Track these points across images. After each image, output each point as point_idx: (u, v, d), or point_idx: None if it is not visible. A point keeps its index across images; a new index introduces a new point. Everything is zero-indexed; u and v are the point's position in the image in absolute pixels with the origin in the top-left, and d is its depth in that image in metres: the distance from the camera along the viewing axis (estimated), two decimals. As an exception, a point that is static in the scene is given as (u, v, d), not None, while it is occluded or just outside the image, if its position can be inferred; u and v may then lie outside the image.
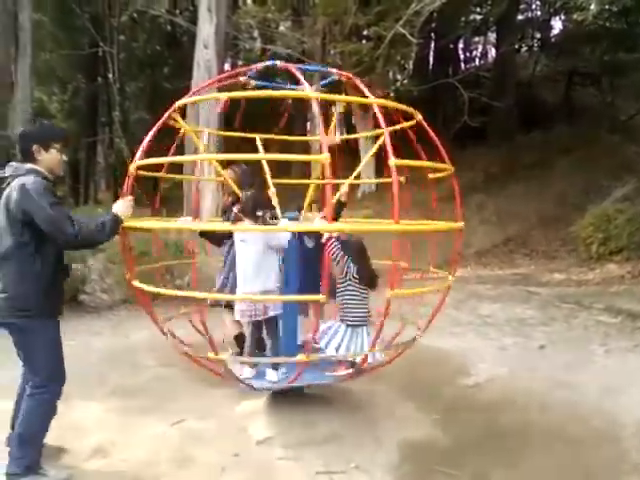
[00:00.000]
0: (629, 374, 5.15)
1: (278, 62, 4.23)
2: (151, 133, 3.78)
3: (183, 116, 4.79)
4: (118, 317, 7.81)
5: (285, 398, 4.13)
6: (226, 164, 4.82)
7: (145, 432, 3.94)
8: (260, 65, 4.32)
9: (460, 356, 5.80)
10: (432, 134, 3.81)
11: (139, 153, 3.71)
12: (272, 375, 3.82)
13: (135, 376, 5.18)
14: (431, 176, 4.30)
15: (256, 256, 3.66)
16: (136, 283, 3.66)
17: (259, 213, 3.64)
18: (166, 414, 4.20)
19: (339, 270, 3.81)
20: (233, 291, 4.05)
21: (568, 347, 6.09)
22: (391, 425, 3.99)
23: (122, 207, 3.39)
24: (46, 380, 3.28)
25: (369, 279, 3.86)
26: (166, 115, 3.88)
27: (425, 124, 3.92)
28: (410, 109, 3.93)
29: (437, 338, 6.19)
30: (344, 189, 4.06)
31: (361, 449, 3.62)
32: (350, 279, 3.83)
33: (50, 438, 3.52)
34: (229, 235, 4.13)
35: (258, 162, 3.67)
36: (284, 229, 3.62)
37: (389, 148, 3.25)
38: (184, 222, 4.49)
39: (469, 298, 8.85)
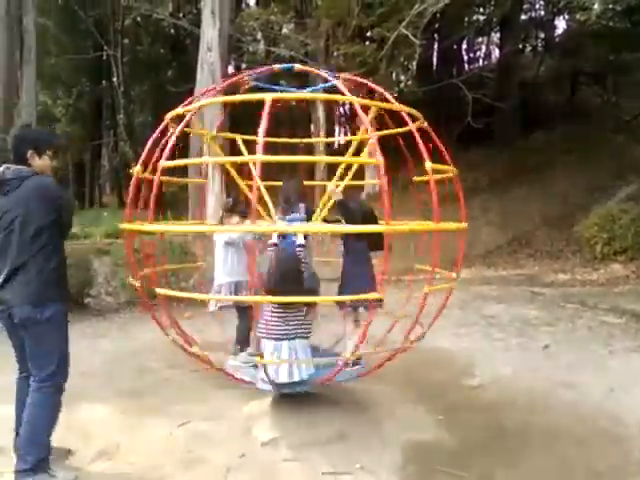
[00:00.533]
0: (633, 374, 5.15)
1: (296, 65, 4.30)
2: (153, 137, 3.83)
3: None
4: (124, 319, 7.84)
5: (290, 399, 4.15)
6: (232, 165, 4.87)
7: (150, 434, 3.96)
8: (277, 67, 4.40)
9: (464, 357, 5.80)
10: (434, 137, 3.83)
11: (143, 156, 3.75)
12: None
13: (141, 378, 5.20)
14: (418, 178, 4.32)
15: (222, 251, 4.25)
16: (160, 290, 3.70)
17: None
18: (171, 416, 4.22)
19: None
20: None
21: (572, 347, 6.09)
22: (396, 425, 4.00)
23: None
24: (52, 374, 3.32)
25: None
26: (163, 124, 3.93)
27: (429, 128, 3.94)
28: (414, 111, 3.95)
29: (442, 339, 6.21)
30: (329, 188, 4.15)
31: (366, 450, 3.63)
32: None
33: (55, 440, 3.55)
34: None
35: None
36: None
37: (378, 150, 3.29)
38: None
39: (474, 299, 8.86)
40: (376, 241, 3.84)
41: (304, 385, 3.90)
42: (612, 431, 4.00)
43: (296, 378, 3.68)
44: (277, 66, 4.53)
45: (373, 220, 4.08)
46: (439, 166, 3.97)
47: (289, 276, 3.66)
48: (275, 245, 3.92)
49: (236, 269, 4.32)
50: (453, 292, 4.29)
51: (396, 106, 3.92)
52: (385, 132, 4.62)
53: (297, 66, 4.38)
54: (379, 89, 4.17)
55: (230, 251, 4.30)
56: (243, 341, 4.45)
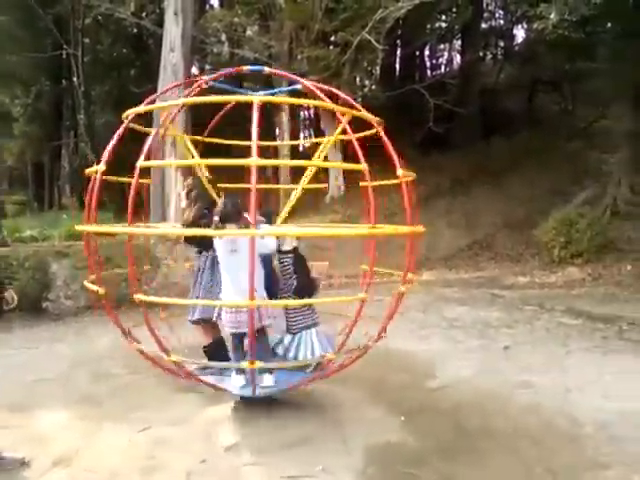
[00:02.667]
0: (588, 374, 5.30)
1: (266, 67, 4.28)
2: (115, 138, 3.75)
3: (150, 119, 4.77)
4: (82, 323, 7.67)
5: (252, 404, 4.13)
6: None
7: (110, 440, 3.88)
8: (245, 68, 4.37)
9: (426, 358, 5.87)
10: (388, 144, 3.85)
11: (104, 157, 3.67)
12: (268, 380, 3.96)
13: (100, 383, 5.09)
14: (380, 183, 4.36)
15: (244, 265, 3.41)
16: (140, 296, 3.51)
17: (216, 219, 3.55)
18: (132, 421, 4.15)
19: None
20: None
21: (531, 348, 6.24)
22: (358, 428, 4.01)
23: None
24: None
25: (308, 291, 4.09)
26: (125, 124, 3.86)
27: (383, 134, 3.97)
28: (371, 117, 3.96)
29: (404, 341, 6.28)
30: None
31: (328, 452, 3.64)
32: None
33: (10, 448, 3.46)
34: (211, 244, 4.01)
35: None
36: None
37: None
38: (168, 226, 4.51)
39: (436, 301, 8.98)
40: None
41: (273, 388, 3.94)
42: (568, 430, 4.10)
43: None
44: (247, 67, 4.50)
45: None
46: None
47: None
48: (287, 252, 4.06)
49: (262, 284, 3.86)
50: (415, 295, 4.35)
51: (358, 113, 3.94)
52: (347, 137, 4.64)
53: (267, 69, 4.35)
54: (342, 94, 4.20)
55: (259, 264, 3.79)
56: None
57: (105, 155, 3.69)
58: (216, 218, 3.57)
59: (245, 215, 3.65)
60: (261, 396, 3.98)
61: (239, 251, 3.63)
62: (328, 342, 4.21)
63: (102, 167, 3.62)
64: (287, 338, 4.27)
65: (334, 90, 4.44)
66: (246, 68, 4.57)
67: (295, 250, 4.25)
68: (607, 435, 3.99)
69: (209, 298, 4.20)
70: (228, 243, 3.70)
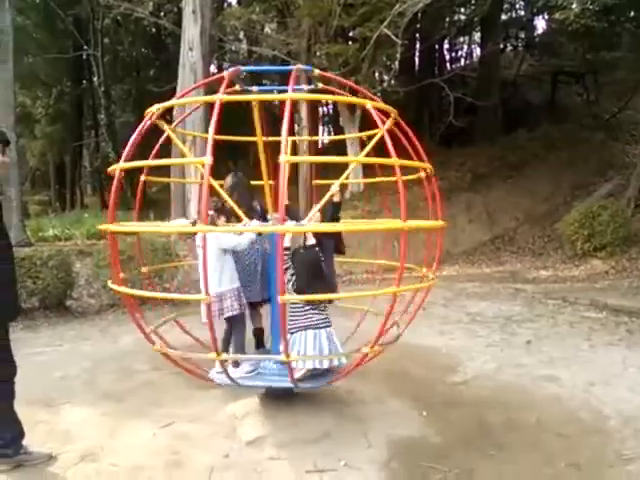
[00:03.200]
0: (612, 367, 5.24)
1: (317, 71, 4.29)
2: (134, 136, 3.79)
3: (170, 118, 4.81)
4: (106, 321, 7.78)
5: (274, 399, 4.15)
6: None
7: (134, 436, 3.93)
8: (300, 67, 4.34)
9: (448, 354, 5.85)
10: (410, 134, 3.83)
11: (124, 156, 3.71)
12: (235, 372, 3.98)
13: (124, 380, 5.16)
14: (408, 177, 4.33)
15: (210, 260, 3.73)
16: (114, 286, 3.64)
17: (211, 213, 3.84)
18: (155, 417, 4.20)
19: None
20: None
21: (554, 342, 6.17)
22: (380, 422, 4.01)
23: None
24: None
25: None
26: (145, 120, 3.88)
27: (402, 123, 3.94)
28: (389, 108, 3.94)
29: (426, 336, 6.27)
30: (334, 188, 4.10)
31: (351, 447, 3.64)
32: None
33: (37, 444, 3.53)
34: None
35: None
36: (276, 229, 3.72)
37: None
38: (179, 223, 4.52)
39: (457, 296, 8.93)
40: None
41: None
42: (592, 424, 4.06)
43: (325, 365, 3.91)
44: (298, 67, 4.44)
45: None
46: (416, 164, 3.97)
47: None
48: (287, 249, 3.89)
49: (236, 275, 4.13)
50: (437, 290, 4.34)
51: (376, 104, 3.92)
52: (367, 132, 4.63)
53: (317, 71, 4.30)
54: (361, 89, 4.19)
55: (229, 256, 4.08)
56: (242, 351, 4.24)
57: (125, 153, 3.73)
58: (211, 212, 3.88)
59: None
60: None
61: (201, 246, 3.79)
62: (329, 346, 3.93)
63: (123, 165, 3.64)
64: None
65: (354, 86, 4.43)
66: (297, 67, 4.51)
67: (311, 247, 4.13)
68: (632, 429, 3.93)
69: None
70: (197, 238, 3.81)
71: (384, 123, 3.69)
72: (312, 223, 3.88)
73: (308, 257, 3.92)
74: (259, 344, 4.67)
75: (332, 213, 4.41)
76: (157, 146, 4.36)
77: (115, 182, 3.68)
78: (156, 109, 3.86)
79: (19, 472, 3.41)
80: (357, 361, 3.82)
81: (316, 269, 3.91)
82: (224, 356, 3.62)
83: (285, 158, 3.16)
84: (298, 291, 3.86)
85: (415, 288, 4.08)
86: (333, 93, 4.65)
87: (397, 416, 4.19)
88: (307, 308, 3.91)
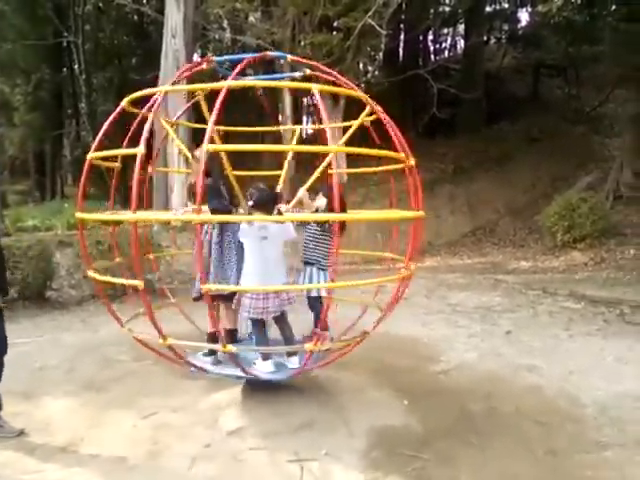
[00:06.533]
0: (590, 357, 5.34)
1: (289, 55, 4.27)
2: (106, 125, 3.75)
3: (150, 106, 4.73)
4: (87, 312, 7.70)
5: (256, 389, 4.16)
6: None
7: (116, 426, 3.92)
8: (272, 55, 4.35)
9: (430, 343, 5.91)
10: (392, 124, 3.83)
11: (96, 143, 3.67)
12: (264, 366, 3.93)
13: (106, 371, 5.13)
14: (391, 167, 4.35)
15: (278, 252, 3.86)
16: (92, 273, 3.63)
17: (278, 207, 3.80)
18: (137, 408, 4.19)
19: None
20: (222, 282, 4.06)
21: (534, 332, 6.26)
22: (361, 411, 4.04)
23: None
24: None
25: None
26: (120, 106, 3.84)
27: (383, 115, 3.94)
28: (367, 99, 3.94)
29: (408, 327, 6.31)
30: (301, 192, 4.13)
31: (332, 436, 3.67)
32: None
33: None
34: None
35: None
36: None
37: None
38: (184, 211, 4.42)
39: (439, 287, 9.00)
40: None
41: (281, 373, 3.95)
42: (570, 412, 4.14)
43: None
44: (271, 54, 4.43)
45: None
46: (395, 155, 3.97)
47: None
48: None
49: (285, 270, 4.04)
50: (419, 280, 4.37)
51: (358, 94, 3.92)
52: (348, 123, 4.62)
53: (289, 56, 4.29)
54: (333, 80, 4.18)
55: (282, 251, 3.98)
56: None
57: (96, 141, 3.69)
58: (250, 203, 3.74)
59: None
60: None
61: (269, 238, 3.75)
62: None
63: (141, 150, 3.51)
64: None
65: (338, 75, 4.40)
66: (271, 55, 4.52)
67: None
68: (608, 417, 4.02)
69: (220, 275, 4.11)
70: (259, 230, 3.75)
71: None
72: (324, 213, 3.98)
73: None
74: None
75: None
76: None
77: (85, 170, 3.64)
78: (126, 101, 3.83)
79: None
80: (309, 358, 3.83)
81: None
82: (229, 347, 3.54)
83: (207, 147, 3.19)
84: None
85: (392, 279, 4.10)
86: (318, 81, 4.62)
87: (379, 405, 4.23)
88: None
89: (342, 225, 4.07)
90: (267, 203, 3.78)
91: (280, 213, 3.80)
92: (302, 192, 4.11)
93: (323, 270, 4.40)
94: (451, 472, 3.35)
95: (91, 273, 3.73)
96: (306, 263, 4.50)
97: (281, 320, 4.02)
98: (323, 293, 4.21)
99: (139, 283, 3.26)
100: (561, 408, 4.21)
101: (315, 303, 4.42)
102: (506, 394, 4.49)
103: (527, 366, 5.10)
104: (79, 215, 3.73)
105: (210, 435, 3.71)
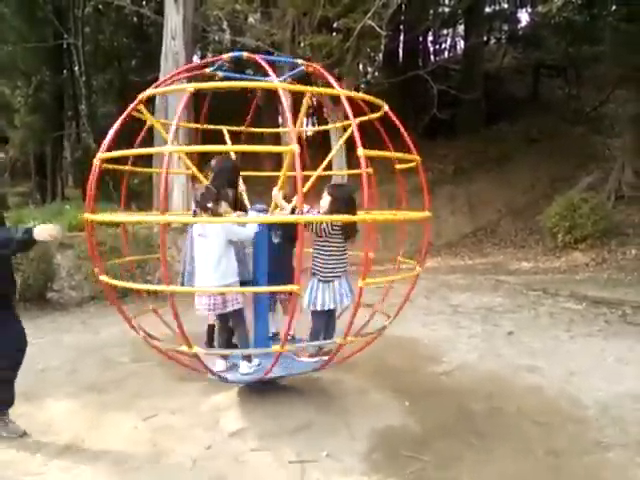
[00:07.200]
0: (592, 358, 5.33)
1: (244, 53, 4.22)
2: (116, 125, 3.73)
3: (152, 108, 4.76)
4: (87, 313, 7.71)
5: (257, 390, 4.15)
6: (196, 156, 4.81)
7: (116, 428, 3.92)
8: (226, 56, 4.30)
9: (431, 344, 5.90)
10: (399, 124, 3.84)
11: (103, 146, 3.66)
12: (244, 367, 3.85)
13: (106, 372, 5.13)
14: (398, 167, 4.34)
15: (217, 250, 3.66)
16: (104, 278, 3.63)
17: (209, 205, 3.59)
18: (137, 409, 4.19)
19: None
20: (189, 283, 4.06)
21: (535, 333, 6.26)
22: (362, 413, 4.04)
23: (45, 231, 3.40)
24: None
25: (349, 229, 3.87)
26: (130, 108, 3.83)
27: (391, 114, 3.95)
28: (377, 100, 3.95)
29: (408, 327, 6.31)
30: (274, 192, 3.97)
31: (333, 437, 3.66)
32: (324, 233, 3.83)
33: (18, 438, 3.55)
34: None
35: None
36: (256, 220, 3.66)
37: (357, 139, 3.28)
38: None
39: (440, 287, 8.99)
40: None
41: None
42: (571, 413, 4.13)
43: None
44: (227, 55, 4.40)
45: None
46: (404, 155, 3.99)
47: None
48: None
49: (230, 271, 3.77)
50: (420, 281, 4.36)
51: (359, 95, 3.93)
52: (348, 122, 4.61)
53: (245, 54, 4.26)
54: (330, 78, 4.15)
55: (230, 251, 3.78)
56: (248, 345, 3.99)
57: (105, 143, 3.68)
58: (210, 205, 3.64)
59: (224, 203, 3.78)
60: (235, 382, 3.98)
61: (207, 236, 3.69)
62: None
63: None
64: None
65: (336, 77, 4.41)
66: (227, 56, 4.48)
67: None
68: (610, 417, 4.01)
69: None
70: (198, 227, 3.75)
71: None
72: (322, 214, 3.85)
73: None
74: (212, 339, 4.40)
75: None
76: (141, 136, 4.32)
77: (93, 172, 3.63)
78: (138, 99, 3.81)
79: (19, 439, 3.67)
80: (332, 354, 3.81)
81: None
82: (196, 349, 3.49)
83: (169, 148, 3.21)
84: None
85: (400, 278, 4.10)
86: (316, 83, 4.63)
87: (379, 406, 4.22)
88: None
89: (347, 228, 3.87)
90: (204, 202, 3.65)
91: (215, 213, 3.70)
92: (274, 193, 3.94)
93: (324, 282, 3.92)
94: (452, 473, 3.34)
95: (103, 278, 3.70)
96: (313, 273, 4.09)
97: (234, 318, 3.90)
98: (325, 307, 3.93)
99: (170, 289, 3.26)
100: (562, 409, 4.21)
101: (314, 317, 4.05)
102: (507, 395, 4.48)
103: (528, 367, 5.10)
104: (90, 217, 3.71)
105: (211, 436, 3.71)
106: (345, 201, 3.86)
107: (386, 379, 4.77)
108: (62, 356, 5.60)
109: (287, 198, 4.05)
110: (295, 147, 3.09)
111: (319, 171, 4.17)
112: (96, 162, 3.64)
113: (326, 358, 3.89)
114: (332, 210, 3.83)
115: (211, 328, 4.29)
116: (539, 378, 4.82)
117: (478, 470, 3.37)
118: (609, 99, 17.94)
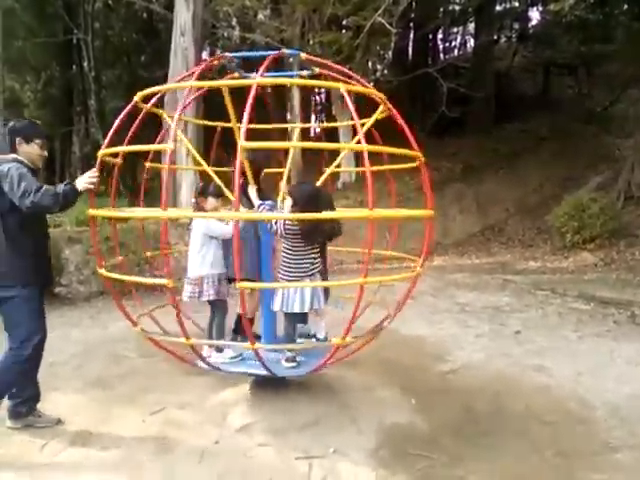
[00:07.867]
0: (600, 358, 5.30)
1: (303, 54, 4.25)
2: (117, 121, 3.75)
3: (162, 104, 4.76)
4: (95, 308, 7.74)
5: (265, 385, 4.16)
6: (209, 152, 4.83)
7: (123, 422, 3.93)
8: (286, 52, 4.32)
9: (438, 343, 5.89)
10: (401, 121, 3.81)
11: (107, 139, 3.67)
12: (218, 358, 3.99)
13: (113, 367, 5.16)
14: (397, 167, 4.33)
15: (197, 242, 3.98)
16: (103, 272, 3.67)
17: (193, 200, 3.97)
18: (145, 404, 4.20)
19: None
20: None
21: (543, 333, 6.23)
22: (369, 410, 4.03)
23: (84, 179, 3.48)
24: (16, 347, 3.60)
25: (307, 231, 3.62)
26: (129, 106, 3.84)
27: (394, 110, 3.92)
28: (379, 94, 3.92)
29: (415, 326, 6.30)
30: (251, 191, 3.99)
31: (340, 434, 3.66)
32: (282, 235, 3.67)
33: (27, 430, 3.60)
34: None
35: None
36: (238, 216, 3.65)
37: (361, 137, 3.28)
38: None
39: (447, 286, 8.97)
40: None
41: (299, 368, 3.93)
42: (579, 414, 4.11)
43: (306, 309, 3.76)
44: (287, 52, 4.37)
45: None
46: (406, 152, 3.95)
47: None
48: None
49: (218, 261, 4.02)
50: (427, 280, 4.34)
51: (367, 90, 3.91)
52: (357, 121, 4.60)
53: (303, 55, 4.26)
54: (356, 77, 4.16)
55: (214, 242, 3.98)
56: (222, 337, 4.18)
57: (107, 138, 3.68)
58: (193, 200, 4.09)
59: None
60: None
61: (192, 228, 4.05)
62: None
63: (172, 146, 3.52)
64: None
65: (349, 72, 4.39)
66: (287, 52, 4.46)
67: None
68: (618, 418, 3.99)
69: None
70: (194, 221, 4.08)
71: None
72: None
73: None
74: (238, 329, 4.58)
75: None
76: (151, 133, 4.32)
77: (97, 166, 3.63)
78: (138, 96, 3.82)
79: (28, 432, 3.70)
80: (332, 352, 3.77)
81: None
82: (193, 341, 3.52)
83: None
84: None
85: (400, 278, 4.08)
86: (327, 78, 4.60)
87: (386, 404, 4.21)
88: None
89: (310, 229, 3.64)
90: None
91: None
92: (250, 190, 3.93)
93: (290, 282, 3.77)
94: (459, 472, 3.33)
95: (103, 271, 3.72)
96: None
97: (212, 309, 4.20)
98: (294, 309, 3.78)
99: (168, 282, 3.29)
100: (570, 409, 4.19)
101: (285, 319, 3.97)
102: (514, 394, 4.46)
103: (536, 366, 5.08)
104: (93, 212, 3.71)
105: (218, 431, 3.72)
106: (304, 200, 3.63)
107: (393, 377, 4.76)
108: (70, 350, 5.63)
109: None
110: (244, 143, 3.01)
111: (331, 169, 4.18)
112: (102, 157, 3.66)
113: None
114: (294, 211, 3.66)
115: (239, 317, 4.35)
116: (547, 378, 4.81)
117: (485, 469, 3.36)
118: (620, 99, 17.83)
